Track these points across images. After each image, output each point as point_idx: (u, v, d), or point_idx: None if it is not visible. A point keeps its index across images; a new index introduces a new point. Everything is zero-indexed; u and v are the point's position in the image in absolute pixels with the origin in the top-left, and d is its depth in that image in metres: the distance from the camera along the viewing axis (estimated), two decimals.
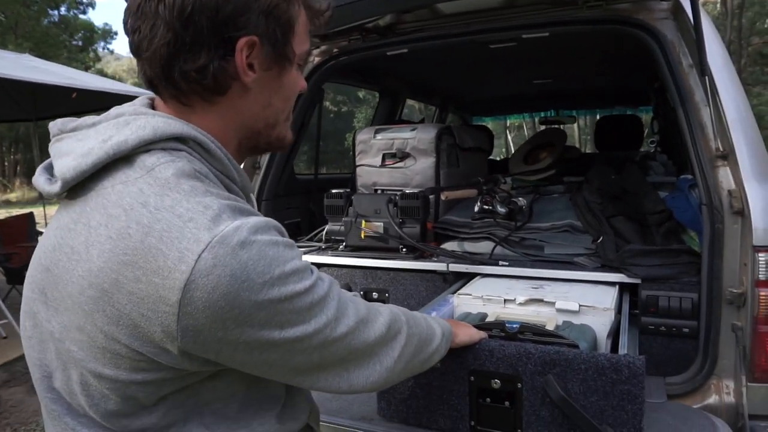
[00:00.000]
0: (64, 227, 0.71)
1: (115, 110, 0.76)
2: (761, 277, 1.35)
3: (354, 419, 1.39)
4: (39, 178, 0.75)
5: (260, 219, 0.69)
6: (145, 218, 0.64)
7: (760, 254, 1.35)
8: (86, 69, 24.38)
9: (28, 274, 0.77)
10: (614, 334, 1.42)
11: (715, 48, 1.53)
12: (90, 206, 0.69)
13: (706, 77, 1.48)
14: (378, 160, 2.20)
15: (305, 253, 2.11)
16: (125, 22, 0.76)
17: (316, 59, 2.19)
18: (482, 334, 1.23)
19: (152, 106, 0.79)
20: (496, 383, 1.20)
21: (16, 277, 5.79)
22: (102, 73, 29.36)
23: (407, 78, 3.09)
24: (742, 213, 1.40)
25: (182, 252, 0.62)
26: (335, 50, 2.16)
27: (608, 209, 1.83)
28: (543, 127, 4.32)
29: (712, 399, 1.49)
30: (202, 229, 0.63)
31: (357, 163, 2.27)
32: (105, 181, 0.70)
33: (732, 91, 1.49)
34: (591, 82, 3.39)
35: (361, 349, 0.79)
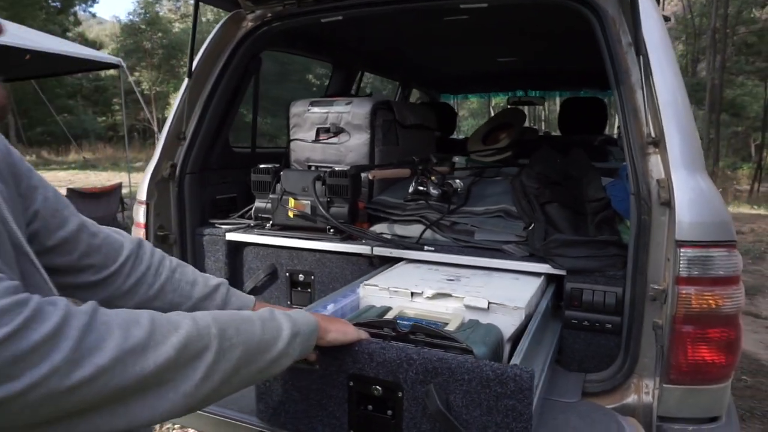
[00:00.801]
0: None
1: None
2: (682, 273, 1.26)
3: (243, 412, 1.30)
4: None
5: None
6: None
7: (682, 249, 1.26)
8: (64, 32, 23.59)
9: None
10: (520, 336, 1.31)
11: (654, 25, 1.42)
12: None
13: (641, 56, 1.38)
14: (312, 135, 2.08)
15: (233, 230, 2.00)
16: None
17: (249, 24, 2.04)
18: (359, 334, 1.10)
19: None
20: (377, 390, 1.08)
21: None
22: (83, 37, 28.49)
23: (359, 49, 2.93)
24: (669, 204, 1.31)
25: None
26: (269, 15, 2.01)
27: (544, 195, 1.74)
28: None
29: (631, 399, 1.42)
30: None
31: (291, 137, 2.15)
32: None
33: (668, 72, 1.39)
34: (554, 63, 3.27)
35: (134, 382, 0.65)
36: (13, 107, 8.24)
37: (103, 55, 6.49)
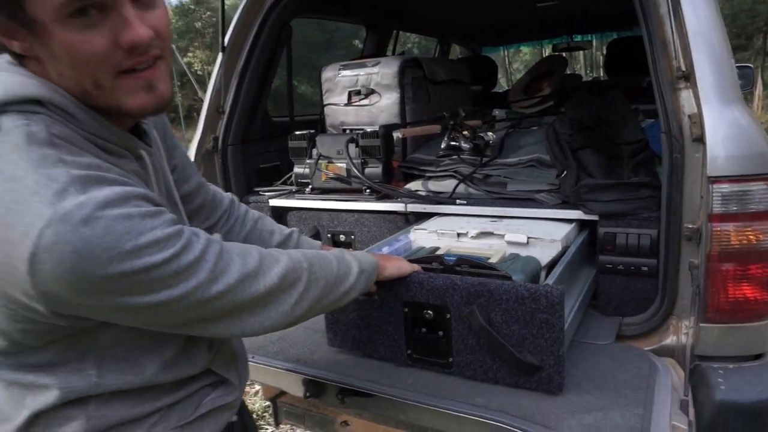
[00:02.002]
0: None
1: None
2: (716, 210, 1.23)
3: (290, 360, 1.40)
4: None
5: (114, 191, 0.66)
6: None
7: (714, 186, 1.22)
8: None
9: None
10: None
11: None
12: None
13: None
14: (344, 99, 2.11)
15: (275, 197, 2.09)
16: None
17: None
18: (413, 267, 1.23)
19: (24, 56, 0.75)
20: (429, 314, 1.22)
21: None
22: None
23: (392, 8, 2.90)
24: (702, 140, 1.27)
25: (26, 227, 0.62)
26: None
27: (577, 141, 1.70)
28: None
29: (669, 340, 1.41)
30: (45, 204, 0.62)
31: (324, 103, 2.19)
32: None
33: (699, 1, 1.31)
34: (597, 4, 3.10)
35: (249, 301, 0.80)
36: None
37: None
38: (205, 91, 2.17)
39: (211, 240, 0.77)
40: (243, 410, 1.13)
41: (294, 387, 1.40)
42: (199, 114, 2.12)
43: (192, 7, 27.75)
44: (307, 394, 1.36)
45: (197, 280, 0.73)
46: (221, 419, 0.93)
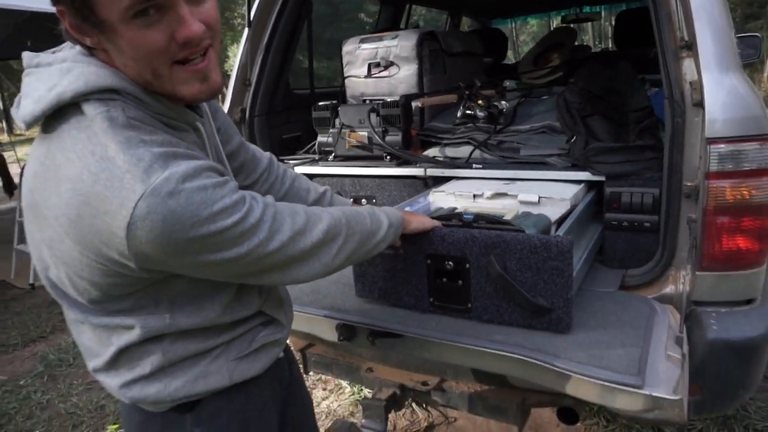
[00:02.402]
0: (40, 158, 0.83)
1: (64, 51, 0.85)
2: (713, 169, 1.35)
3: (324, 308, 1.55)
4: (12, 111, 0.86)
5: (189, 165, 0.78)
6: (93, 167, 0.76)
7: (712, 146, 1.34)
8: None
9: (21, 191, 0.91)
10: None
11: None
12: (54, 146, 0.80)
13: None
14: (364, 71, 2.22)
15: (300, 164, 2.22)
16: None
17: None
18: (435, 223, 1.34)
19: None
20: (449, 265, 1.33)
21: None
22: None
23: None
24: (702, 104, 1.38)
25: (122, 200, 0.74)
26: None
27: (586, 109, 1.82)
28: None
29: (669, 289, 1.55)
30: (137, 180, 0.74)
31: (345, 75, 2.30)
32: (63, 124, 0.80)
33: None
34: None
35: (299, 254, 0.93)
36: None
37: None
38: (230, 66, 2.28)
39: (267, 203, 0.88)
40: (287, 349, 1.28)
41: (328, 332, 1.55)
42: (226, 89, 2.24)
43: None
44: (341, 338, 1.51)
45: (258, 239, 0.85)
46: (272, 353, 1.08)
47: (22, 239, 4.95)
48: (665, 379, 1.09)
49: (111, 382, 0.95)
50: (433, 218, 1.40)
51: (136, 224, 0.74)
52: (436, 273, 1.38)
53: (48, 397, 2.98)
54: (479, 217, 1.39)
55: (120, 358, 0.92)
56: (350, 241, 1.03)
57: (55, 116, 0.80)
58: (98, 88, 0.80)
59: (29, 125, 0.82)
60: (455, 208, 1.69)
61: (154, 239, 0.75)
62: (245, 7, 2.14)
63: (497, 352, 1.24)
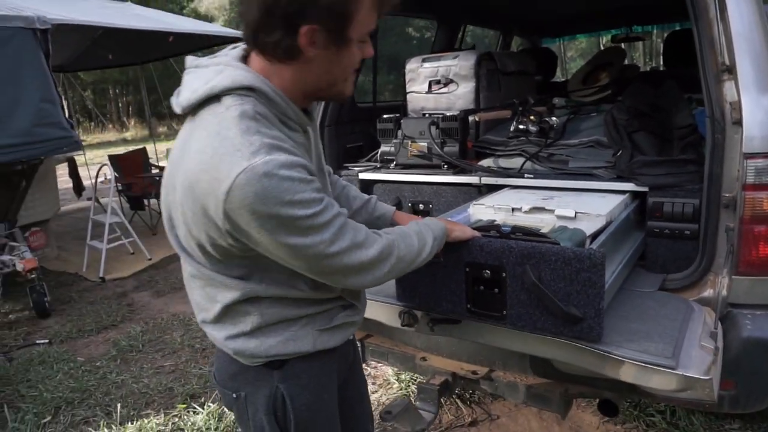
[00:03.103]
0: (183, 136, 1.09)
1: (220, 57, 1.10)
2: (749, 181, 1.49)
3: (388, 296, 1.74)
4: (173, 100, 1.13)
5: (288, 158, 0.95)
6: (215, 142, 0.96)
7: (749, 161, 1.48)
8: (181, 9, 25.56)
9: (168, 160, 1.17)
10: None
11: None
12: (196, 125, 1.05)
13: None
14: (425, 87, 2.43)
15: (363, 171, 2.44)
16: None
17: None
18: (475, 233, 1.42)
19: (246, 56, 1.10)
20: (487, 273, 1.40)
21: (137, 203, 6.72)
22: (196, 12, 30.54)
23: (463, 3, 3.19)
24: (740, 122, 1.52)
25: (229, 170, 0.93)
26: None
27: (632, 125, 1.97)
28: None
29: (708, 292, 1.67)
30: (244, 158, 0.92)
31: (407, 90, 2.52)
32: (205, 110, 1.02)
33: (743, 6, 1.55)
34: None
35: (355, 265, 1.06)
36: (145, 85, 9.48)
37: (229, 31, 7.22)
38: None
39: (340, 213, 1.03)
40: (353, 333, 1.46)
41: (392, 318, 1.74)
42: None
43: None
44: (404, 323, 1.69)
45: (321, 237, 0.99)
46: (347, 332, 1.27)
47: (95, 235, 5.38)
48: (697, 363, 1.23)
49: (217, 334, 1.16)
50: (472, 229, 1.49)
51: (234, 191, 0.92)
52: (474, 280, 1.43)
53: (122, 378, 3.27)
54: (516, 229, 1.45)
55: (226, 314, 1.13)
56: (401, 261, 1.16)
57: (201, 105, 1.04)
58: (240, 85, 1.02)
59: (184, 110, 1.06)
60: (494, 221, 1.77)
61: (244, 206, 0.93)
62: None
63: (544, 335, 1.39)
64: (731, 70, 1.57)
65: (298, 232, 0.97)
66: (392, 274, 1.16)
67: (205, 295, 1.14)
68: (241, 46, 1.12)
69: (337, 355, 1.28)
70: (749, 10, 1.56)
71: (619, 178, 1.85)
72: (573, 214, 1.65)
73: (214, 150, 0.96)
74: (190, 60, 1.13)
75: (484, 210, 1.85)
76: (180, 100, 1.08)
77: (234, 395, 1.21)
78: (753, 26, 1.55)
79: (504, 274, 1.39)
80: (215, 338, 1.18)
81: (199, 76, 1.07)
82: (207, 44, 7.88)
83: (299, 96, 1.09)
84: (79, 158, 7.35)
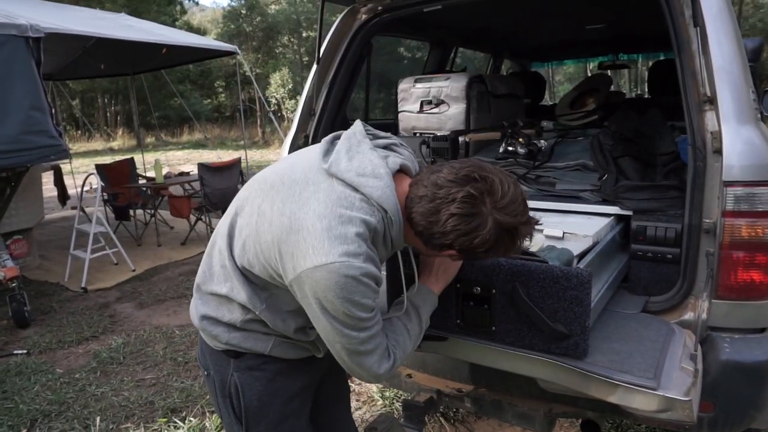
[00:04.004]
0: (317, 177, 1.15)
1: (382, 161, 1.16)
2: (728, 208, 1.54)
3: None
4: (323, 144, 1.23)
5: (372, 270, 1.09)
6: (335, 222, 1.08)
7: (728, 189, 1.53)
8: (174, 21, 25.61)
9: (270, 173, 1.28)
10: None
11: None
12: (333, 183, 1.13)
13: (698, 27, 1.63)
14: (417, 107, 2.48)
15: None
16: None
17: (363, 16, 2.46)
18: (457, 266, 1.45)
19: (402, 171, 1.22)
20: (477, 290, 1.44)
21: (122, 214, 6.67)
22: (189, 25, 30.62)
23: (456, 27, 3.26)
24: (721, 151, 1.57)
25: (329, 252, 1.06)
26: (379, 8, 2.42)
27: (617, 150, 2.02)
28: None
29: (688, 315, 1.71)
30: (346, 254, 1.06)
31: (399, 110, 2.56)
32: (343, 186, 1.13)
33: (724, 40, 1.62)
34: (641, 28, 3.39)
35: (364, 365, 1.19)
36: (135, 95, 9.49)
37: (221, 44, 7.25)
38: (250, 91, 2.56)
39: (378, 323, 1.18)
40: None
41: None
42: (242, 115, 2.50)
43: (243, 12, 28.84)
44: None
45: (358, 335, 1.13)
46: (304, 353, 1.36)
47: (78, 245, 5.32)
48: (677, 384, 1.26)
49: (200, 305, 1.31)
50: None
51: (321, 270, 1.05)
52: (464, 296, 1.47)
53: (102, 390, 3.22)
54: None
55: (220, 299, 1.26)
56: (398, 355, 1.27)
57: (346, 181, 1.12)
58: (380, 203, 1.12)
59: (332, 173, 1.14)
60: None
61: (320, 285, 1.06)
62: (294, 42, 2.42)
63: (530, 355, 1.41)
64: (712, 101, 1.63)
65: (343, 323, 1.11)
66: (391, 363, 1.25)
67: (222, 273, 1.25)
68: (401, 155, 1.25)
69: (303, 372, 1.37)
70: (729, 45, 1.63)
71: (605, 202, 1.90)
72: (561, 234, 1.70)
73: (330, 227, 1.06)
74: (359, 128, 1.24)
75: None
76: (332, 164, 1.14)
77: (205, 373, 1.39)
78: (733, 60, 1.62)
79: (494, 291, 1.43)
80: (194, 308, 1.33)
81: (360, 157, 1.16)
82: (200, 57, 7.93)
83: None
84: (65, 167, 7.30)
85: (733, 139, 1.55)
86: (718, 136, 1.58)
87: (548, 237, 1.74)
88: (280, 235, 1.11)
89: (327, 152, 1.19)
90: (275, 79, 23.60)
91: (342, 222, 1.07)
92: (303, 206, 1.11)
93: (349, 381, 1.75)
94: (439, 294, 1.41)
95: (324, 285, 1.05)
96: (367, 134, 1.25)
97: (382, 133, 1.30)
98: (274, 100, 22.77)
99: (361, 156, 1.16)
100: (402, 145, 1.31)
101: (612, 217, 1.86)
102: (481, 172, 1.10)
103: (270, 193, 1.19)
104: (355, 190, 1.12)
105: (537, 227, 1.76)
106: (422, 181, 1.14)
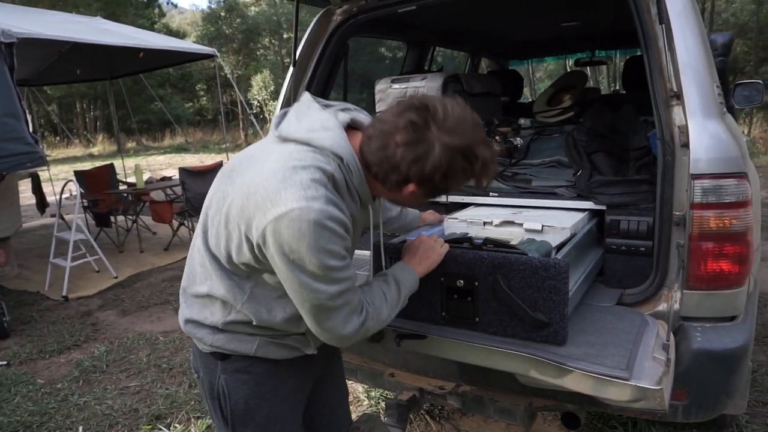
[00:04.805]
0: (267, 148, 1.18)
1: (333, 114, 1.17)
2: (696, 200, 1.57)
3: None
4: (274, 119, 1.22)
5: (339, 215, 1.07)
6: (289, 173, 1.07)
7: (696, 181, 1.57)
8: (152, 24, 25.34)
9: (230, 161, 1.29)
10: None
11: None
12: (281, 150, 1.12)
13: (663, 25, 1.66)
14: None
15: None
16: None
17: (338, 18, 2.47)
18: (441, 254, 1.48)
19: (353, 126, 1.20)
20: (460, 282, 1.49)
21: (103, 220, 6.59)
22: (168, 28, 30.29)
23: (432, 27, 3.28)
24: (688, 145, 1.61)
25: (288, 200, 1.05)
26: (354, 9, 2.42)
27: (591, 146, 2.06)
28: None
29: (662, 306, 1.74)
30: (304, 198, 1.05)
31: (377, 110, 2.57)
32: (296, 144, 1.12)
33: (689, 37, 1.66)
34: (616, 25, 3.44)
35: (338, 323, 1.17)
36: (114, 100, 9.41)
37: (200, 47, 7.19)
38: (232, 94, 2.56)
39: (352, 278, 1.16)
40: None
41: None
42: (224, 118, 2.50)
43: (222, 14, 28.65)
44: (370, 339, 1.71)
45: (327, 289, 1.10)
46: (292, 353, 1.34)
47: (58, 253, 5.25)
48: (649, 374, 1.29)
49: (185, 309, 1.31)
50: (446, 241, 1.56)
51: (283, 219, 1.04)
52: (449, 290, 1.52)
53: (84, 400, 3.18)
54: (488, 241, 1.53)
55: (203, 300, 1.26)
56: (376, 324, 1.26)
57: (297, 139, 1.13)
58: (334, 151, 1.11)
59: (280, 136, 1.15)
60: (467, 233, 1.86)
61: (283, 235, 1.04)
62: (275, 44, 2.43)
63: (506, 350, 1.44)
64: (679, 96, 1.66)
65: (313, 274, 1.08)
66: (364, 334, 1.24)
67: (203, 272, 1.25)
68: (353, 112, 1.22)
69: (293, 372, 1.36)
70: (694, 41, 1.66)
71: (579, 197, 1.93)
72: (540, 228, 1.74)
73: (285, 178, 1.06)
74: (307, 97, 1.23)
75: (457, 224, 1.94)
76: (282, 128, 1.16)
77: (196, 374, 1.39)
78: (698, 56, 1.65)
79: (477, 283, 1.47)
80: (180, 312, 1.34)
81: (309, 118, 1.16)
82: (178, 60, 7.86)
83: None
84: (44, 174, 7.19)
85: (700, 133, 1.58)
86: (685, 131, 1.62)
87: (528, 230, 1.79)
88: (241, 203, 1.11)
89: (278, 124, 1.20)
90: (257, 81, 23.47)
91: (295, 170, 1.06)
92: (259, 172, 1.12)
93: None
94: (420, 277, 1.41)
95: (287, 235, 1.04)
96: (318, 102, 1.24)
97: (336, 103, 1.27)
98: (256, 103, 22.66)
99: (310, 116, 1.17)
100: (357, 109, 1.28)
101: (584, 214, 1.90)
102: (423, 100, 1.10)
103: (231, 175, 1.21)
104: (307, 144, 1.12)
105: (517, 222, 1.83)
106: (370, 125, 1.16)
